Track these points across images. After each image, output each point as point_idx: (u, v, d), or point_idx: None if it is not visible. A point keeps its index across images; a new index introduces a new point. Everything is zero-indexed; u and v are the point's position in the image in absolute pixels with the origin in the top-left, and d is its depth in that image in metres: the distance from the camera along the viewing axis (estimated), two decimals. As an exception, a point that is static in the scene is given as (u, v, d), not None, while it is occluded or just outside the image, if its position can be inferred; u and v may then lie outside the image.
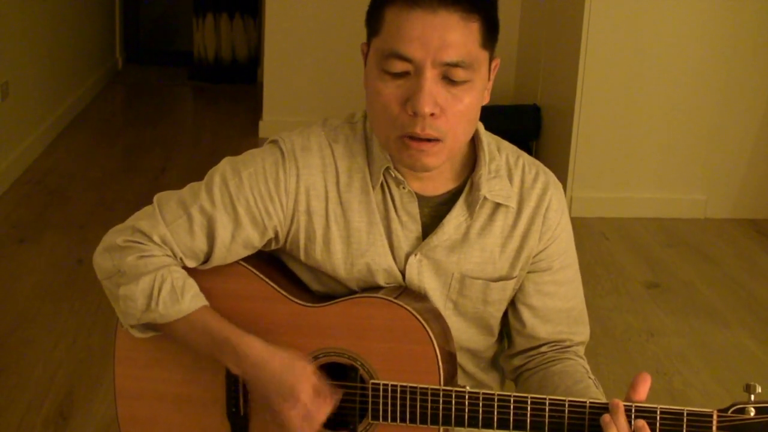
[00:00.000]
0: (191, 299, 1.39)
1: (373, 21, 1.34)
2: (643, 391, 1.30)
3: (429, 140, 1.32)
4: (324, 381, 1.37)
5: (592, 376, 1.49)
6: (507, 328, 1.55)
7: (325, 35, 5.41)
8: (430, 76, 1.28)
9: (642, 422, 1.28)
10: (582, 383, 1.45)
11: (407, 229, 1.44)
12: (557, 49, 4.74)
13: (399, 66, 1.29)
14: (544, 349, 1.53)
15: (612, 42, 4.31)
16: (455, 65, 1.29)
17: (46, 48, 5.26)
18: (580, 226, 4.28)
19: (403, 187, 1.41)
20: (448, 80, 1.30)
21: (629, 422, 1.28)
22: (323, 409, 1.36)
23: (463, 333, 1.49)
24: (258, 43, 7.13)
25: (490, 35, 1.33)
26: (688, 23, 4.32)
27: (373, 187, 1.42)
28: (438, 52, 1.27)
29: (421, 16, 1.27)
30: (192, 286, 1.41)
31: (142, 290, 1.39)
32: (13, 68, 4.57)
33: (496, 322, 1.52)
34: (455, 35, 1.28)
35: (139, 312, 1.40)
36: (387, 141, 1.36)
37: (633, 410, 1.29)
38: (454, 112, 1.31)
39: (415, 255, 1.44)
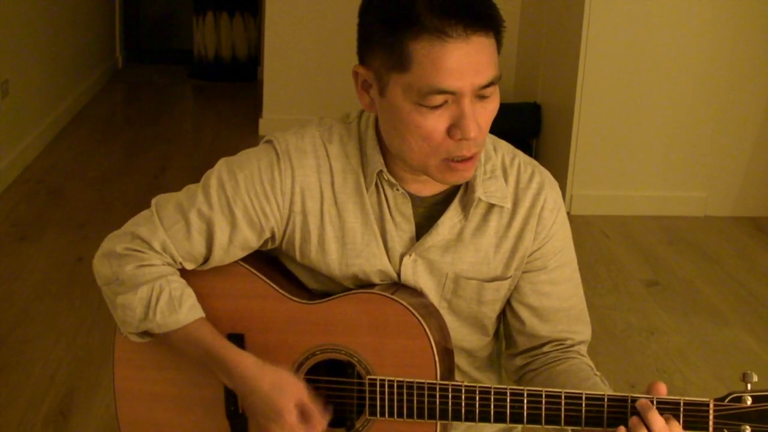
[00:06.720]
0: (188, 310, 1.40)
1: (393, 55, 1.28)
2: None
3: (473, 157, 1.33)
4: (315, 403, 1.36)
5: (598, 373, 1.49)
6: (507, 328, 1.55)
7: (325, 34, 5.41)
8: (470, 101, 1.29)
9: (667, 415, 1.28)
10: (589, 381, 1.45)
11: (401, 229, 1.43)
12: (557, 47, 4.74)
13: (439, 99, 1.28)
14: (546, 348, 1.53)
15: (612, 40, 4.31)
16: (489, 85, 1.29)
17: (46, 46, 5.26)
18: (580, 225, 4.28)
19: (397, 189, 1.41)
20: (480, 97, 1.30)
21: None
22: None
23: (458, 332, 1.49)
24: (258, 41, 7.13)
25: (501, 42, 1.33)
26: (689, 21, 4.31)
27: (367, 189, 1.42)
28: (474, 78, 1.27)
29: (455, 47, 1.25)
30: (189, 296, 1.41)
31: (140, 300, 1.39)
32: (14, 66, 4.57)
33: (490, 322, 1.52)
34: (485, 57, 1.28)
35: (137, 321, 1.41)
36: (425, 166, 1.35)
37: (629, 401, 1.29)
38: (487, 121, 1.33)
39: (410, 255, 1.44)
